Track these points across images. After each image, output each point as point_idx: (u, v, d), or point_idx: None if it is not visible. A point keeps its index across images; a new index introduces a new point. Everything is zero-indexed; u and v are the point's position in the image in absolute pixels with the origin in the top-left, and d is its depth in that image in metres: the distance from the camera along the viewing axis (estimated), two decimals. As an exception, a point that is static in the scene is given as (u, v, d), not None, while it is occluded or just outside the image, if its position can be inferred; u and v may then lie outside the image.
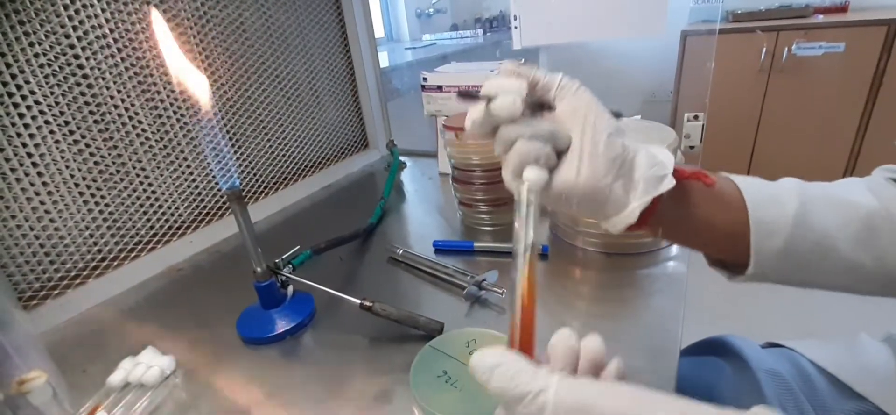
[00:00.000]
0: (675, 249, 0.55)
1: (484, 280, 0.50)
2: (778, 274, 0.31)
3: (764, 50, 2.01)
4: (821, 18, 2.01)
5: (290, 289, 0.51)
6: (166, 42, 0.37)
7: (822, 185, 0.32)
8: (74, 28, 0.54)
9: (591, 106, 0.28)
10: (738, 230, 0.30)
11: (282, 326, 0.48)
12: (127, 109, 0.60)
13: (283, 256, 0.53)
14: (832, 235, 0.30)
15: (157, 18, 0.37)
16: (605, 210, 0.29)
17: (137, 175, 0.63)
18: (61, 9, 0.52)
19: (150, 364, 0.42)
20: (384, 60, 1.54)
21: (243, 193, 0.43)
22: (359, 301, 0.47)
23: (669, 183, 0.28)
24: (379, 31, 2.46)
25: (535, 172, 0.28)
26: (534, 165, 0.28)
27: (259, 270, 0.48)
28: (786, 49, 1.98)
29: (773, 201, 0.30)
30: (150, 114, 0.63)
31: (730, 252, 0.32)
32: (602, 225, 0.31)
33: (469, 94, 0.30)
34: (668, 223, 0.31)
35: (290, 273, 0.51)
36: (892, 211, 0.30)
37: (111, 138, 0.59)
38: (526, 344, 0.25)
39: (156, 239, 0.66)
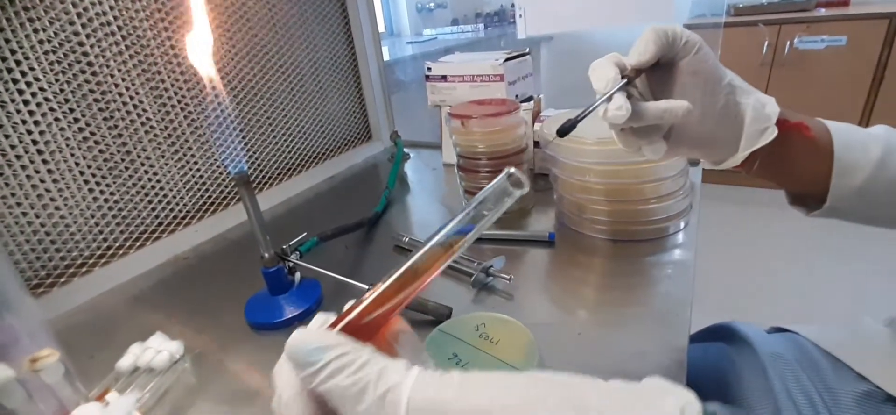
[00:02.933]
0: (681, 236, 0.55)
1: (491, 267, 0.50)
2: (850, 211, 0.35)
3: (766, 43, 2.01)
4: (823, 12, 2.01)
5: (298, 275, 0.51)
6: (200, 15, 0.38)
7: None
8: (79, 15, 0.54)
9: (708, 70, 0.33)
10: (824, 169, 0.34)
11: (290, 311, 0.48)
12: (132, 98, 0.60)
13: (291, 243, 0.53)
14: None
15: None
16: (714, 155, 0.35)
17: (142, 164, 0.63)
18: (66, -4, 0.52)
19: (159, 349, 0.42)
20: (385, 55, 1.54)
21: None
22: (367, 287, 0.47)
23: (771, 135, 0.33)
24: (380, 27, 2.45)
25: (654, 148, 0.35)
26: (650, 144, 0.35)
27: (267, 255, 0.48)
28: (788, 43, 1.98)
29: (860, 146, 0.33)
30: (155, 103, 0.63)
31: (811, 188, 0.36)
32: (707, 163, 0.37)
33: (572, 124, 0.34)
34: (765, 162, 0.35)
35: (297, 260, 0.51)
36: None
37: (116, 127, 0.59)
38: (370, 327, 0.21)
39: (161, 228, 0.66)
